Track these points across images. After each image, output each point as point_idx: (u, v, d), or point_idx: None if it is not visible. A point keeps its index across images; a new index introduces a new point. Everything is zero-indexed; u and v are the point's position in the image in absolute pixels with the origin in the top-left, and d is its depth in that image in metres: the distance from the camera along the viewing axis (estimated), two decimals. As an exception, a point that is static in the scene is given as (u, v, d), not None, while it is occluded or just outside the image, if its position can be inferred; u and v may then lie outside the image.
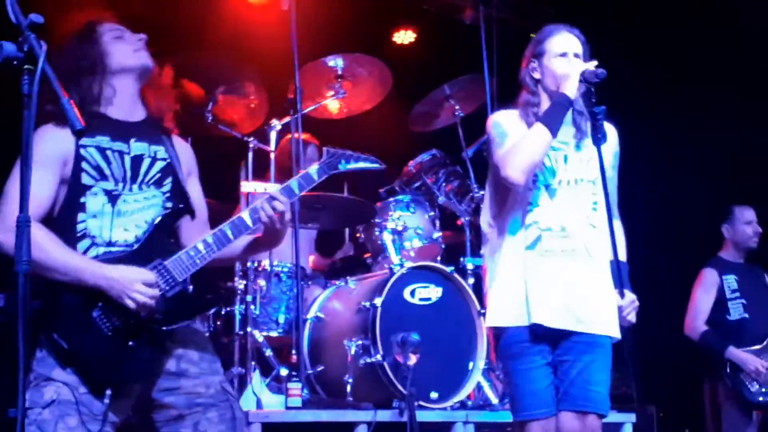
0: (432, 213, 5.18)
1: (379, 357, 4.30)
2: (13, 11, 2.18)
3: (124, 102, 2.91)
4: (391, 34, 7.44)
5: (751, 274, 5.68)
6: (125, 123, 2.90)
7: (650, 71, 6.91)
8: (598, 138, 3.11)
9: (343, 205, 5.16)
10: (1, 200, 2.70)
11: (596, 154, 3.11)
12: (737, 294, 5.53)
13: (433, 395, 4.41)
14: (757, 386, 5.30)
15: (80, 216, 2.75)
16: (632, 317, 3.18)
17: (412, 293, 4.57)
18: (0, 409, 2.89)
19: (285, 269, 4.86)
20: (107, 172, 2.80)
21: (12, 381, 2.08)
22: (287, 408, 4.17)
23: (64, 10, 2.98)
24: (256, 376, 4.41)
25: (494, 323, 3.21)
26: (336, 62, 5.29)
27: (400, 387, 4.22)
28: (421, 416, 4.13)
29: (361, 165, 3.19)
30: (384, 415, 4.15)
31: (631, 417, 4.80)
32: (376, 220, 5.06)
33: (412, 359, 4.15)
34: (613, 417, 4.64)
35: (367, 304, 4.42)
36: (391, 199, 5.16)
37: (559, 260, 3.16)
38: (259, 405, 4.25)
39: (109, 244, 2.76)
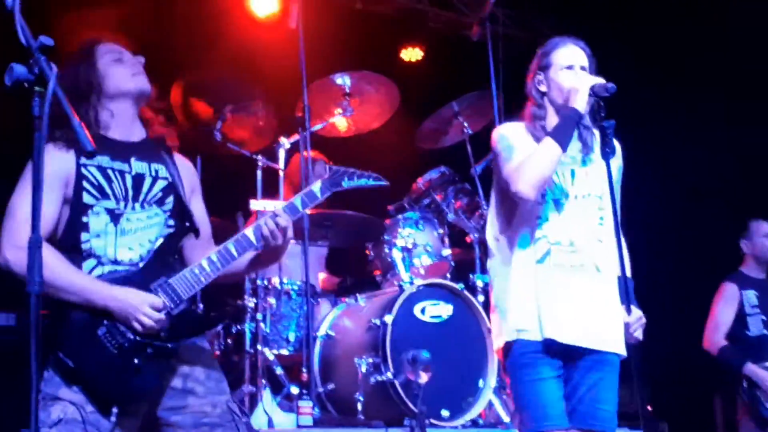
0: (441, 230, 5.18)
1: (389, 375, 4.29)
2: (23, 34, 2.18)
3: (122, 124, 2.92)
4: (398, 51, 7.48)
5: (771, 290, 5.64)
6: (125, 143, 2.91)
7: (644, 72, 6.84)
8: (607, 152, 3.09)
9: (353, 222, 5.14)
10: (6, 217, 2.71)
11: (603, 169, 3.10)
12: (757, 310, 5.49)
13: (444, 413, 4.39)
14: (774, 403, 5.27)
15: (84, 236, 2.75)
16: (639, 334, 3.14)
17: (423, 311, 4.56)
18: (11, 428, 2.90)
19: (295, 287, 4.86)
20: (108, 191, 2.80)
21: (23, 400, 2.08)
22: (298, 426, 4.16)
23: (75, 32, 2.99)
24: (266, 395, 4.40)
25: (507, 337, 3.16)
26: (344, 80, 5.30)
27: (411, 405, 4.21)
28: (433, 434, 4.13)
29: (365, 182, 3.21)
30: (395, 434, 4.14)
31: (640, 434, 4.77)
32: (386, 238, 5.06)
33: (423, 377, 4.12)
34: (623, 435, 4.61)
35: (378, 321, 4.42)
36: (400, 216, 5.16)
37: (569, 275, 3.14)
38: (270, 424, 4.23)
39: (115, 262, 2.77)
